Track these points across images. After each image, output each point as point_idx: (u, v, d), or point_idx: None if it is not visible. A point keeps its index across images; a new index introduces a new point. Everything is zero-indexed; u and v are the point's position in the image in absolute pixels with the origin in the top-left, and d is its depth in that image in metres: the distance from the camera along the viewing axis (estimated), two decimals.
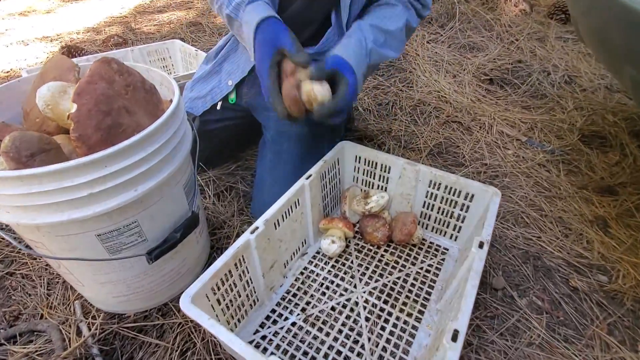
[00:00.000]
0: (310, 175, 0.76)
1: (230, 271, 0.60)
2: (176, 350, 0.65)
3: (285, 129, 0.84)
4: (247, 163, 1.11)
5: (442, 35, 1.83)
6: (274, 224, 0.69)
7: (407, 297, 0.72)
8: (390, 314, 0.69)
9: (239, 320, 0.66)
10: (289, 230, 0.74)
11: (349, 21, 0.79)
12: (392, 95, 1.46)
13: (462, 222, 0.80)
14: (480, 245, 0.61)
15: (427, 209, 0.83)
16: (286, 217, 0.72)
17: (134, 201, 0.51)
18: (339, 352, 0.63)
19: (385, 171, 0.85)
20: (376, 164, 0.85)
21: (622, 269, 0.80)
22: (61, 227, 0.49)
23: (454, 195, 0.78)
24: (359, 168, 0.89)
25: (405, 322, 0.68)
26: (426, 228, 0.86)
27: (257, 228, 0.64)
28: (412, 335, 0.66)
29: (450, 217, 0.81)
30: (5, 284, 0.75)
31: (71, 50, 1.60)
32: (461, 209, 0.79)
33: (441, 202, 0.81)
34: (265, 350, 0.64)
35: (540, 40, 1.80)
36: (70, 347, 0.61)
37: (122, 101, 0.51)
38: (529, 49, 1.72)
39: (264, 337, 0.66)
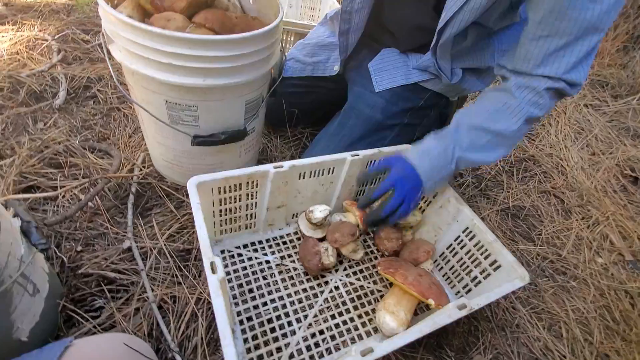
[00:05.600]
0: (357, 155, 0.76)
1: (240, 185, 0.67)
2: (179, 222, 0.77)
3: (359, 106, 0.86)
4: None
5: (608, 105, 1.52)
6: (300, 174, 0.73)
7: (374, 310, 0.70)
8: (348, 310, 0.69)
9: (230, 231, 0.74)
10: (311, 189, 0.77)
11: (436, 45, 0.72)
12: None
13: (476, 286, 0.71)
14: (461, 307, 0.55)
15: (450, 253, 0.76)
16: (314, 176, 0.75)
17: (199, 88, 0.61)
18: (284, 306, 0.66)
19: (432, 194, 0.80)
20: None
21: None
22: (144, 80, 0.62)
23: (482, 255, 0.70)
24: None
25: (355, 327, 0.66)
26: (439, 270, 0.79)
27: (281, 166, 0.69)
28: (352, 340, 0.64)
29: (467, 274, 0.73)
30: (112, 114, 0.98)
31: None
32: (481, 273, 0.70)
33: (466, 254, 0.73)
34: (234, 263, 0.71)
35: None
36: (117, 173, 0.78)
37: None
38: None
39: (240, 255, 0.73)
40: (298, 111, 1.02)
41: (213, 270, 0.50)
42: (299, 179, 0.74)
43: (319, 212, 0.75)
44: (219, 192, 0.66)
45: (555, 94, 0.60)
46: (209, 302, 0.65)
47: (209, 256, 0.52)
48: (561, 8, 0.52)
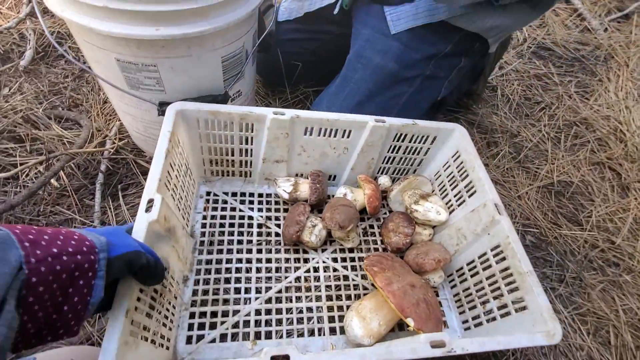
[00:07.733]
0: (382, 122, 0.61)
1: (232, 123, 0.58)
2: None
3: (368, 54, 0.68)
4: None
5: None
6: (305, 129, 0.61)
7: (349, 307, 0.57)
8: (319, 298, 0.58)
9: (222, 174, 0.67)
10: (319, 150, 0.65)
11: None
12: (552, 96, 1.09)
13: (489, 322, 0.54)
14: (435, 345, 0.40)
15: (470, 270, 0.59)
16: (322, 134, 0.62)
17: (153, 41, 0.47)
18: (248, 270, 0.58)
19: (468, 191, 0.62)
20: (467, 175, 0.62)
21: None
22: (84, 32, 0.47)
23: (506, 286, 0.52)
24: (449, 166, 0.67)
25: (320, 319, 0.55)
26: (452, 287, 0.63)
27: (282, 114, 0.57)
28: (310, 333, 0.54)
29: (482, 304, 0.55)
30: (85, 75, 0.85)
31: None
32: (500, 308, 0.53)
33: (487, 279, 0.55)
34: (215, 209, 0.64)
35: None
36: (83, 147, 0.66)
37: None
38: None
39: (224, 202, 0.65)
40: (299, 65, 0.85)
41: (147, 209, 0.41)
42: (305, 134, 0.61)
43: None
44: (207, 127, 0.57)
45: None
46: None
47: (151, 192, 0.43)
48: None
